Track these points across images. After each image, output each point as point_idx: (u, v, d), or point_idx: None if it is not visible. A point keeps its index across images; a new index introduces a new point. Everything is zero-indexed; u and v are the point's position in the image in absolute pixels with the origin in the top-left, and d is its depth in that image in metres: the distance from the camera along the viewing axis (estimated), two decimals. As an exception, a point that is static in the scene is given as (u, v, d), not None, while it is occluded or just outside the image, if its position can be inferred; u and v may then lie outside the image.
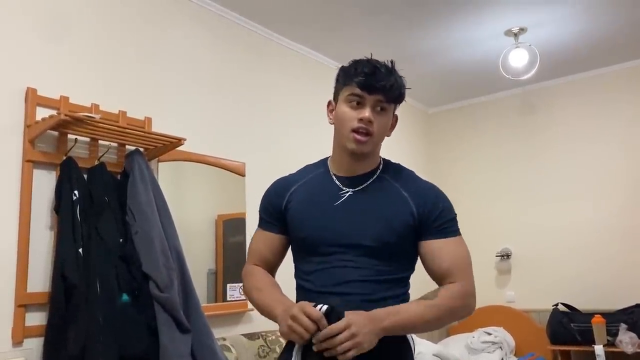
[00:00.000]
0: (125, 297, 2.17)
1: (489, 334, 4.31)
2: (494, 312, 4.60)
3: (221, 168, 3.02)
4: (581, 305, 4.12)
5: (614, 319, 3.78)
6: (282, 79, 3.60)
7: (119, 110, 2.50)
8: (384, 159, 1.54)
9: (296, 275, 1.49)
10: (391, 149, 4.75)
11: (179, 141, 2.50)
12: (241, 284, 2.93)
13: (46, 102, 2.24)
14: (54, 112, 2.19)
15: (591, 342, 3.74)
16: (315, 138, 3.70)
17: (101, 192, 2.26)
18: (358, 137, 1.39)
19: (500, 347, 4.24)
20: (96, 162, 2.34)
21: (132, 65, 2.66)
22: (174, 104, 2.84)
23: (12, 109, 2.16)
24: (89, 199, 2.21)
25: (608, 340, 3.72)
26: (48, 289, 2.12)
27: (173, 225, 2.44)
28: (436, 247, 1.40)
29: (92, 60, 2.49)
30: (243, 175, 3.15)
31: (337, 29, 3.59)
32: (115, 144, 2.46)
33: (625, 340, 3.62)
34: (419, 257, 1.46)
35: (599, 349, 3.67)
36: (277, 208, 1.51)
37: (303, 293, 1.43)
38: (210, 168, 2.95)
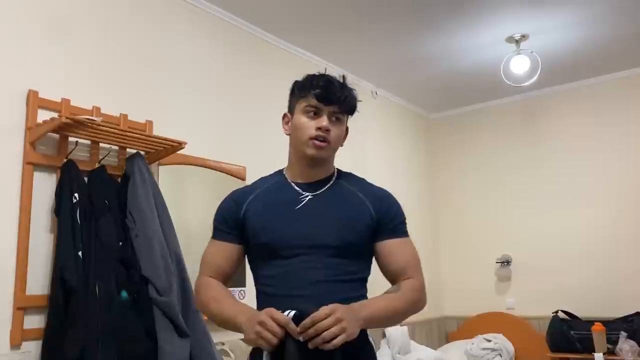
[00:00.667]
0: (124, 294, 2.15)
1: (489, 340, 4.30)
2: (494, 318, 4.60)
3: (222, 172, 3.02)
4: (581, 312, 4.11)
5: (614, 326, 3.77)
6: (283, 84, 3.56)
7: (120, 113, 2.51)
8: (338, 169, 1.61)
9: (257, 282, 1.50)
10: (392, 154, 4.79)
11: (179, 145, 2.49)
12: (240, 289, 2.94)
13: (47, 105, 2.24)
14: (55, 115, 2.19)
15: (591, 350, 3.72)
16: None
17: (101, 195, 2.26)
18: (317, 143, 1.46)
19: (500, 354, 4.23)
20: (97, 165, 2.34)
21: (134, 69, 2.66)
22: (175, 107, 2.84)
23: (13, 111, 2.16)
24: (89, 201, 2.21)
25: (608, 349, 3.70)
26: (47, 291, 2.12)
27: (173, 229, 2.43)
28: (392, 246, 1.48)
29: (94, 63, 2.49)
30: (244, 179, 3.14)
31: (340, 35, 3.59)
32: (116, 147, 2.46)
33: (625, 348, 3.61)
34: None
35: (598, 357, 3.65)
36: (235, 217, 1.52)
37: (267, 298, 1.43)
38: (211, 172, 2.95)
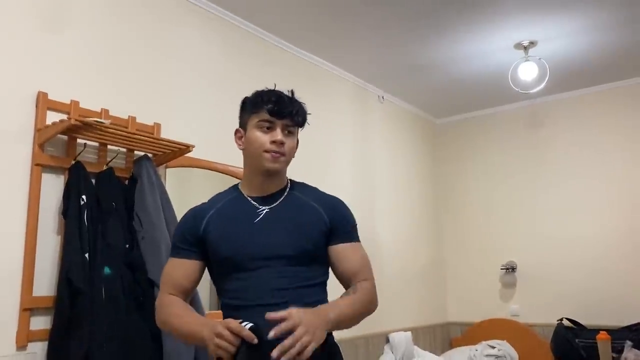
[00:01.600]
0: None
1: (493, 347, 4.29)
2: (498, 325, 4.58)
3: (229, 175, 3.02)
4: (586, 320, 4.09)
5: (619, 335, 3.74)
6: (291, 88, 3.60)
7: (129, 116, 2.51)
8: (290, 179, 1.67)
9: (221, 295, 1.56)
10: (399, 159, 4.78)
11: (187, 148, 2.50)
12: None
13: (56, 106, 2.25)
14: (64, 117, 2.20)
15: (596, 358, 3.71)
16: (321, 146, 3.70)
17: (109, 197, 2.26)
18: (273, 155, 1.53)
19: (504, 361, 4.21)
20: (105, 167, 2.35)
21: (143, 71, 2.67)
22: (183, 110, 2.85)
23: (22, 113, 2.17)
24: (97, 203, 2.22)
25: (613, 357, 3.68)
26: (54, 293, 2.12)
27: (179, 231, 2.43)
28: (345, 250, 1.56)
29: (103, 65, 2.50)
30: (250, 182, 3.14)
31: (348, 40, 3.59)
32: (124, 149, 2.46)
33: (630, 357, 3.59)
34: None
35: (603, 365, 3.64)
36: (194, 234, 1.57)
37: (233, 310, 1.47)
38: (218, 175, 2.95)
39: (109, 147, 2.40)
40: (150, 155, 2.50)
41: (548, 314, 4.32)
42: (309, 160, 3.56)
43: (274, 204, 1.57)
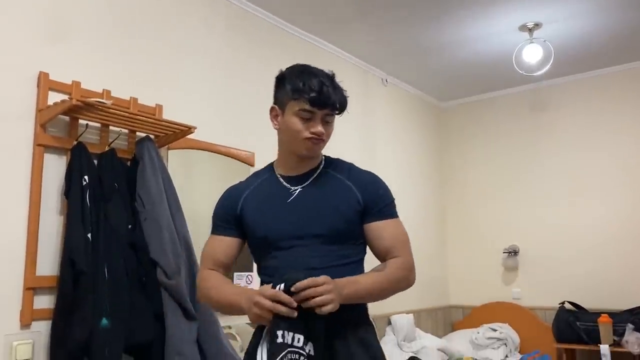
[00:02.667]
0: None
1: (494, 330, 4.31)
2: (500, 308, 4.60)
3: (231, 157, 3.02)
4: (588, 304, 4.10)
5: (620, 318, 3.76)
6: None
7: (130, 97, 2.51)
8: (324, 156, 1.66)
9: (259, 272, 1.60)
10: (403, 143, 4.77)
11: (189, 129, 2.50)
12: (248, 273, 2.96)
13: (58, 87, 2.25)
14: (66, 97, 2.20)
15: (597, 341, 3.73)
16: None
17: (111, 178, 2.27)
18: (313, 142, 1.52)
19: (505, 344, 4.24)
20: (106, 148, 2.35)
21: (144, 52, 2.66)
22: (185, 92, 2.84)
23: (24, 93, 2.17)
24: (99, 184, 2.22)
25: (614, 340, 3.70)
26: (57, 272, 2.14)
27: (182, 213, 2.44)
28: (379, 227, 1.54)
29: (105, 46, 2.49)
30: (253, 165, 3.14)
31: (351, 22, 3.56)
32: (125, 131, 2.46)
33: (632, 340, 3.60)
34: None
35: (604, 348, 3.65)
36: (232, 214, 1.61)
37: (269, 269, 1.53)
38: (220, 157, 2.96)
39: (111, 128, 2.40)
40: (152, 136, 2.50)
41: (550, 297, 4.33)
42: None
43: (307, 183, 1.57)
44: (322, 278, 1.32)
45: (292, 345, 1.29)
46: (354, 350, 1.44)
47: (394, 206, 1.60)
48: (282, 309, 1.29)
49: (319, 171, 1.59)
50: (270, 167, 1.67)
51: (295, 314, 1.30)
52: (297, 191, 1.55)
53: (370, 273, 1.48)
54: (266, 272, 1.54)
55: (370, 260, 1.58)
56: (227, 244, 1.61)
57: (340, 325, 1.41)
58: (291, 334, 1.30)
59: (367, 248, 1.59)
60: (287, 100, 1.53)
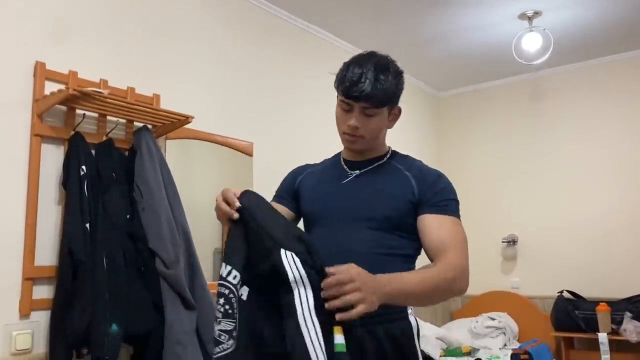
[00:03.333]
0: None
1: (493, 319, 4.32)
2: (499, 297, 4.61)
3: (229, 147, 3.01)
4: (586, 293, 4.12)
5: (618, 307, 3.78)
6: (292, 60, 3.57)
7: (128, 87, 2.49)
8: (393, 150, 1.64)
9: None
10: (401, 133, 4.74)
11: (186, 119, 2.48)
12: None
13: (55, 77, 2.24)
14: (63, 87, 2.19)
15: (595, 330, 3.74)
16: (324, 119, 3.68)
17: (109, 168, 2.26)
18: (348, 138, 1.51)
19: (504, 333, 4.25)
20: (104, 138, 2.34)
21: (142, 42, 2.64)
22: (182, 81, 2.83)
23: (20, 83, 2.16)
24: (97, 174, 2.21)
25: (612, 329, 3.72)
26: (55, 263, 2.14)
27: (180, 203, 2.44)
28: (433, 221, 1.44)
29: (101, 36, 2.47)
30: (251, 155, 3.14)
31: (349, 11, 3.54)
32: (123, 120, 2.45)
33: (630, 328, 3.62)
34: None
35: (602, 336, 3.67)
36: (290, 185, 1.66)
37: None
38: (218, 147, 2.95)
39: (108, 118, 2.39)
40: (149, 126, 2.49)
41: (548, 286, 4.34)
42: (312, 134, 3.55)
43: (366, 169, 1.56)
44: (348, 273, 1.13)
45: (224, 279, 1.23)
46: (385, 348, 1.38)
47: (456, 206, 1.50)
48: (222, 206, 1.26)
49: (382, 161, 1.57)
50: (340, 152, 1.67)
51: (236, 215, 1.25)
52: (354, 175, 1.55)
53: (417, 270, 1.36)
54: None
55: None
56: (280, 210, 1.59)
57: (370, 317, 1.30)
58: (229, 267, 1.23)
59: (421, 248, 1.50)
60: (335, 89, 1.52)
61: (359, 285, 1.12)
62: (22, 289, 2.08)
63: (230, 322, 1.19)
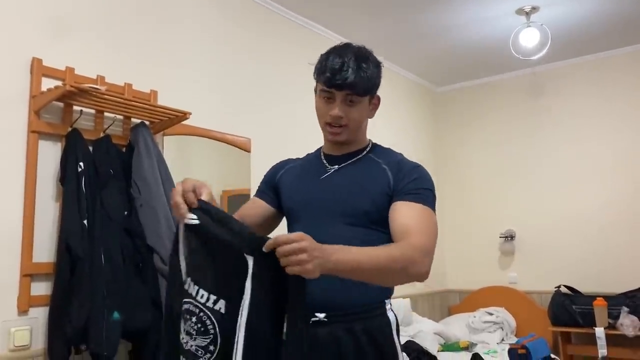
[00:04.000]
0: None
1: (491, 314, 4.34)
2: (496, 292, 4.63)
3: (227, 143, 3.01)
4: (583, 287, 4.13)
5: (615, 302, 3.79)
6: (289, 54, 3.57)
7: (125, 83, 2.49)
8: (374, 143, 1.62)
9: None
10: (398, 128, 4.75)
11: (184, 115, 2.48)
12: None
13: (52, 73, 2.23)
14: (60, 83, 2.18)
15: (592, 324, 3.76)
16: (322, 115, 3.68)
17: (106, 164, 2.26)
18: (331, 130, 1.50)
19: (501, 327, 4.27)
20: (101, 135, 2.34)
21: (139, 38, 2.64)
22: (180, 77, 2.82)
23: (17, 79, 2.15)
24: (94, 171, 2.21)
25: (609, 323, 3.73)
26: (53, 259, 2.14)
27: (178, 199, 2.43)
28: (402, 207, 1.40)
29: (98, 32, 2.46)
30: (249, 151, 3.14)
31: (347, 6, 3.54)
32: (120, 117, 2.45)
33: (626, 323, 3.63)
34: None
35: (599, 331, 3.69)
36: (271, 180, 1.66)
37: None
38: (215, 143, 2.95)
39: (106, 114, 2.39)
40: (147, 122, 2.48)
41: (546, 281, 4.35)
42: (308, 129, 3.54)
43: (345, 164, 1.55)
44: (296, 235, 1.11)
45: (193, 297, 1.22)
46: (363, 345, 1.39)
47: (430, 196, 1.44)
48: (176, 198, 1.24)
49: (361, 155, 1.56)
50: (321, 147, 1.66)
51: (191, 220, 1.23)
52: (333, 170, 1.54)
53: (373, 247, 1.27)
54: None
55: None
56: (258, 205, 1.64)
57: (347, 314, 1.38)
58: (196, 287, 1.23)
59: None
60: (315, 80, 1.52)
61: (303, 246, 1.09)
62: (20, 286, 2.08)
63: (205, 338, 1.21)
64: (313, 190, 1.53)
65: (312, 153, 1.69)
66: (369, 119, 1.58)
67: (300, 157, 1.72)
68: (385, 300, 1.49)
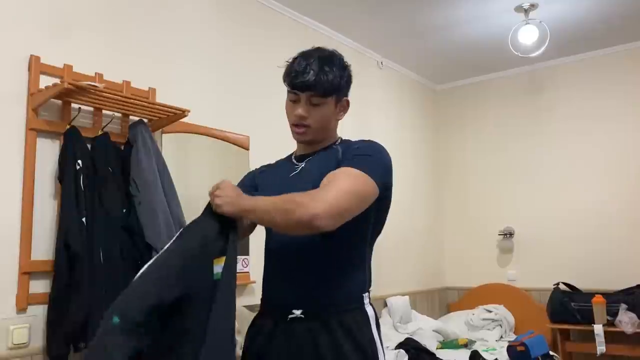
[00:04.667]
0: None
1: (489, 311, 4.35)
2: (495, 290, 4.64)
3: (225, 141, 3.01)
4: (582, 285, 4.14)
5: (614, 299, 3.80)
6: (288, 53, 3.54)
7: (123, 80, 2.49)
8: (344, 139, 1.63)
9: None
10: (397, 125, 4.76)
11: (183, 112, 2.48)
12: (244, 257, 2.96)
13: (50, 71, 2.23)
14: (58, 81, 2.18)
15: (591, 321, 3.77)
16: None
17: (105, 162, 2.25)
18: (296, 130, 1.55)
19: (500, 325, 4.28)
20: (100, 132, 2.33)
21: (137, 35, 2.63)
22: (178, 75, 2.82)
23: (15, 77, 2.15)
24: (93, 168, 2.21)
25: (608, 320, 3.74)
26: (52, 257, 2.14)
27: (176, 197, 2.44)
28: (330, 174, 1.42)
29: (97, 29, 2.46)
30: (247, 148, 3.14)
31: (346, 4, 3.53)
32: (119, 114, 2.45)
33: (625, 320, 3.64)
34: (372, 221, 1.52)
35: (598, 328, 3.69)
36: (250, 185, 1.68)
37: (267, 252, 1.60)
38: (214, 141, 2.94)
39: (104, 112, 2.38)
40: (145, 120, 2.48)
41: (544, 279, 4.36)
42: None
43: (309, 159, 1.59)
44: (223, 180, 1.43)
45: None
46: (339, 339, 1.40)
47: (366, 161, 1.43)
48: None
49: (325, 147, 1.59)
50: (294, 150, 1.70)
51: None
52: (300, 167, 1.58)
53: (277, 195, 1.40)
54: (267, 239, 1.59)
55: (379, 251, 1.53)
56: None
57: (323, 310, 1.42)
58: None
59: (375, 232, 1.55)
60: (284, 82, 1.57)
61: (220, 185, 1.43)
62: (19, 283, 2.08)
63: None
64: (280, 188, 1.49)
65: (285, 157, 1.72)
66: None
67: (272, 162, 1.76)
68: (363, 295, 1.50)
